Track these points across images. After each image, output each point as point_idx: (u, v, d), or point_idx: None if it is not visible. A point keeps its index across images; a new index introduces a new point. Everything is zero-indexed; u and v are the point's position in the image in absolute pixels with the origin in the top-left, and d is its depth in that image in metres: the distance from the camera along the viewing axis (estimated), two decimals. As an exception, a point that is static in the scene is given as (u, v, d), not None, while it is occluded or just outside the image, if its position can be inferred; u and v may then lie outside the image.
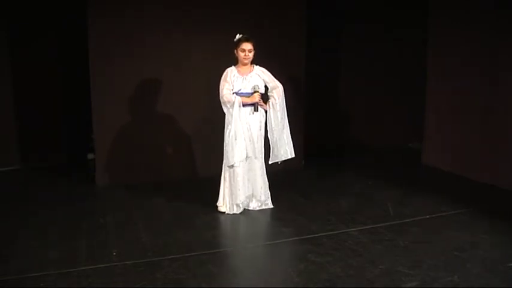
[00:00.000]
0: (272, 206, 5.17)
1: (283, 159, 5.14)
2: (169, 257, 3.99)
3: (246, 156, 4.96)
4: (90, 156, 6.87)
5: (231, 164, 4.90)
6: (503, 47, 5.74)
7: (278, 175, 6.18)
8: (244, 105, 4.89)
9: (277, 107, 5.03)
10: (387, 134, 7.94)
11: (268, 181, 5.17)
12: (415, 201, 5.36)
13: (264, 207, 5.14)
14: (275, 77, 5.09)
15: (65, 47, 6.88)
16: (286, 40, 6.54)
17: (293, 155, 5.17)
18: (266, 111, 5.05)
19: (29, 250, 4.14)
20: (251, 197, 5.10)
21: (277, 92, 5.03)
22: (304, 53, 6.67)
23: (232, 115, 4.85)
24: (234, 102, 4.84)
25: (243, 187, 4.98)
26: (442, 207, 5.11)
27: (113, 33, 5.85)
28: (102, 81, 5.89)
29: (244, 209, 5.07)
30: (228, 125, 4.90)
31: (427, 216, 4.87)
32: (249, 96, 4.91)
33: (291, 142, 5.15)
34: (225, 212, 5.03)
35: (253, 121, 4.98)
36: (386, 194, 5.61)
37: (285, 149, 5.11)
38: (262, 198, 5.14)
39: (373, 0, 7.80)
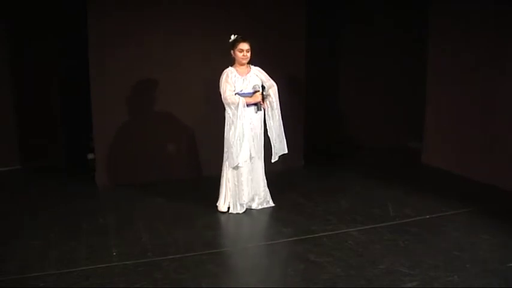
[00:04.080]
0: (273, 204, 5.21)
1: (280, 154, 5.18)
2: (169, 257, 4.00)
3: (250, 156, 5.01)
4: (90, 156, 6.86)
5: (236, 164, 4.92)
6: (503, 47, 5.74)
7: (278, 175, 6.19)
8: (248, 105, 4.92)
9: (275, 105, 5.08)
10: (387, 134, 7.94)
11: (267, 179, 5.20)
12: (415, 201, 5.36)
13: (265, 205, 5.18)
14: (275, 76, 5.11)
15: (65, 47, 6.87)
16: (286, 40, 6.54)
17: (286, 151, 5.21)
18: (264, 110, 5.08)
19: (29, 250, 4.14)
20: (254, 196, 5.13)
21: (274, 90, 5.07)
22: (304, 53, 6.67)
23: (238, 116, 4.86)
24: (238, 103, 4.86)
25: (247, 187, 5.03)
26: (442, 207, 5.11)
27: (113, 33, 5.85)
28: (102, 81, 5.90)
29: (246, 208, 5.09)
30: (231, 126, 4.91)
31: (427, 216, 4.87)
32: (251, 96, 4.94)
33: (285, 139, 5.19)
34: (225, 212, 5.03)
35: (256, 120, 5.02)
36: (387, 194, 5.61)
37: (282, 146, 5.17)
38: (264, 196, 5.19)
39: (374, 0, 7.80)
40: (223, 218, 4.96)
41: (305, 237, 4.41)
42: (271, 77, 5.13)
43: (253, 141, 5.01)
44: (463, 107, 6.34)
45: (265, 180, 5.21)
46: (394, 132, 7.98)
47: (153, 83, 6.09)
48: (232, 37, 4.95)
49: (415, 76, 7.54)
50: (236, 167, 4.96)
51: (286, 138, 5.10)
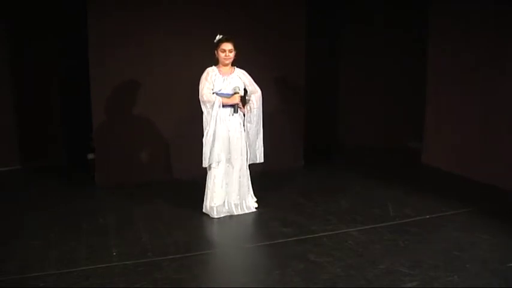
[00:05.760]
0: (255, 210, 5.08)
1: (252, 162, 5.10)
2: (169, 257, 4.00)
3: (225, 158, 4.91)
4: (90, 156, 6.87)
5: (208, 164, 4.85)
6: (503, 47, 5.74)
7: (278, 175, 6.20)
8: (224, 106, 4.84)
9: (255, 111, 5.00)
10: (387, 134, 7.94)
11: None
12: (415, 201, 5.36)
13: (247, 211, 5.04)
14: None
15: (65, 47, 6.87)
16: (286, 40, 6.54)
17: (262, 160, 5.13)
18: (244, 114, 5.00)
19: (29, 250, 4.14)
20: (229, 200, 4.98)
21: (256, 96, 4.99)
22: (304, 53, 6.67)
23: (211, 115, 4.79)
24: (214, 103, 4.79)
25: (221, 190, 4.91)
26: (442, 207, 5.11)
27: (113, 33, 5.85)
28: (102, 81, 5.90)
29: (222, 215, 4.95)
30: (206, 126, 4.83)
31: (427, 216, 4.87)
32: (229, 97, 4.86)
33: (263, 148, 5.11)
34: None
35: (233, 122, 4.92)
36: (387, 194, 5.60)
37: (257, 154, 5.08)
38: (242, 201, 5.04)
39: (374, 0, 7.80)
40: (222, 218, 4.95)
41: (305, 237, 4.40)
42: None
43: (229, 143, 4.89)
44: (463, 107, 6.34)
45: (250, 185, 5.09)
46: (394, 132, 7.98)
47: (153, 83, 6.08)
48: (217, 37, 4.89)
49: (415, 76, 7.53)
50: (209, 167, 4.86)
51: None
